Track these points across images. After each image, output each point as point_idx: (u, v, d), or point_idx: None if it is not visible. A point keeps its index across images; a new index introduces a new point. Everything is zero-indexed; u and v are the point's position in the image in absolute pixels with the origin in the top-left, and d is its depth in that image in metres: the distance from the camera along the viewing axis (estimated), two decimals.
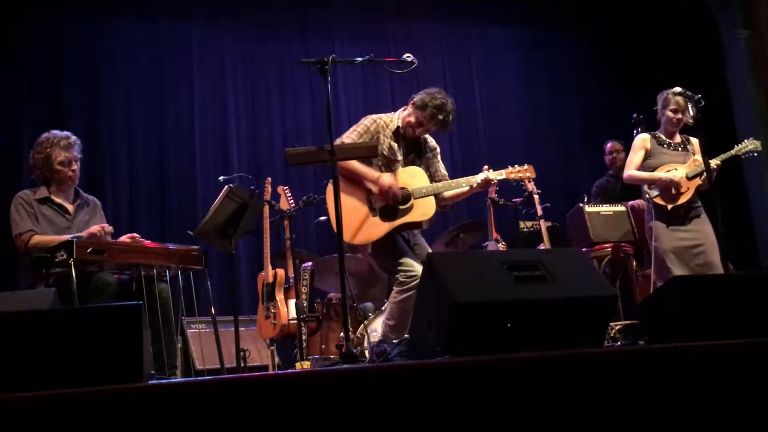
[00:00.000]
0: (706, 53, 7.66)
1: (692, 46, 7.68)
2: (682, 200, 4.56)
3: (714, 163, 4.55)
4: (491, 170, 3.98)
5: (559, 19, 8.07)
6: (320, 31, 7.41)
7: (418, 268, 3.80)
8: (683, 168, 4.63)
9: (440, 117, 3.92)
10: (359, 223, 3.84)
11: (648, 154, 4.77)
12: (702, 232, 4.54)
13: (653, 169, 4.70)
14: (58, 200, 4.16)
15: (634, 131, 5.84)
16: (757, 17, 7.55)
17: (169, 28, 6.93)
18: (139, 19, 6.82)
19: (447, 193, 4.04)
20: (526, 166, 4.12)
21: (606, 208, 5.42)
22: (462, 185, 3.97)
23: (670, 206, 4.59)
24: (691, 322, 2.51)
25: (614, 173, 6.08)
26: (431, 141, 4.20)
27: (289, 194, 5.12)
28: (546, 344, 2.36)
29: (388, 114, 4.11)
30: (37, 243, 3.94)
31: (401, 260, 3.84)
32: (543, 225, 5.48)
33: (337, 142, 3.81)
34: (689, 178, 4.57)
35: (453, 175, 7.45)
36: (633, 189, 5.79)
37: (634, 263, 5.42)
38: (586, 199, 5.61)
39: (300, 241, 6.29)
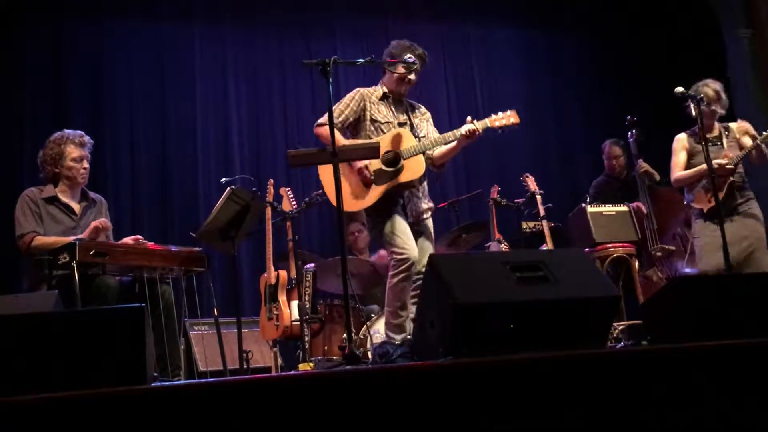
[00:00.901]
0: (708, 53, 7.65)
1: (694, 45, 7.67)
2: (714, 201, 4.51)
3: (754, 142, 4.48)
4: (476, 120, 3.97)
5: (560, 18, 8.06)
6: (322, 31, 7.41)
7: (409, 250, 3.84)
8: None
9: (418, 52, 4.07)
10: (352, 191, 3.91)
11: (689, 155, 4.69)
12: (746, 227, 4.48)
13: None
14: (64, 200, 4.16)
15: (628, 133, 5.85)
16: (759, 17, 7.54)
17: (171, 29, 6.93)
18: (140, 19, 6.82)
19: (437, 153, 4.07)
20: (509, 112, 4.07)
21: (608, 209, 5.40)
22: (448, 138, 3.97)
23: (705, 208, 4.55)
24: (694, 322, 2.51)
25: (612, 173, 6.03)
26: (422, 107, 4.26)
27: (291, 195, 5.12)
28: (549, 345, 2.36)
29: (372, 86, 4.19)
30: (39, 244, 3.93)
31: (394, 233, 3.86)
32: (545, 225, 5.47)
33: (322, 120, 3.90)
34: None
35: (457, 176, 7.52)
36: (633, 191, 5.77)
37: (637, 263, 5.40)
38: (588, 200, 5.61)
39: (302, 242, 6.29)
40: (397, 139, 3.97)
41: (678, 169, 4.71)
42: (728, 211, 4.49)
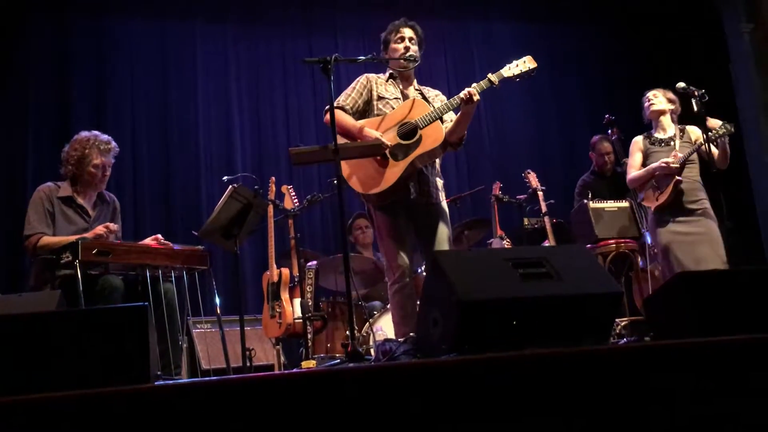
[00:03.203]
0: (711, 47, 7.64)
1: (697, 40, 7.66)
2: (662, 199, 4.58)
3: (698, 141, 4.57)
4: (491, 73, 3.93)
5: (562, 15, 8.06)
6: (324, 29, 7.41)
7: (403, 262, 3.78)
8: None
9: (400, 21, 4.10)
10: (372, 172, 3.70)
11: (644, 156, 4.81)
12: (701, 225, 4.53)
13: None
14: (80, 201, 4.16)
15: (608, 131, 5.86)
16: (761, 11, 7.53)
17: (174, 27, 6.94)
18: (143, 18, 6.83)
19: (446, 128, 3.84)
20: (524, 58, 4.06)
21: (610, 205, 5.40)
22: (454, 103, 3.78)
23: (653, 206, 4.66)
24: (696, 318, 2.51)
25: (601, 170, 6.01)
26: (434, 89, 4.16)
27: (293, 193, 5.12)
28: (552, 341, 2.36)
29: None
30: (45, 245, 3.94)
31: (391, 244, 3.79)
32: (547, 222, 5.48)
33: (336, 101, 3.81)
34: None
35: (458, 173, 7.52)
36: (620, 188, 5.76)
37: (639, 259, 5.40)
38: (590, 195, 5.60)
39: (305, 240, 6.29)
40: (409, 109, 3.79)
41: (633, 170, 4.83)
42: (679, 211, 4.56)
